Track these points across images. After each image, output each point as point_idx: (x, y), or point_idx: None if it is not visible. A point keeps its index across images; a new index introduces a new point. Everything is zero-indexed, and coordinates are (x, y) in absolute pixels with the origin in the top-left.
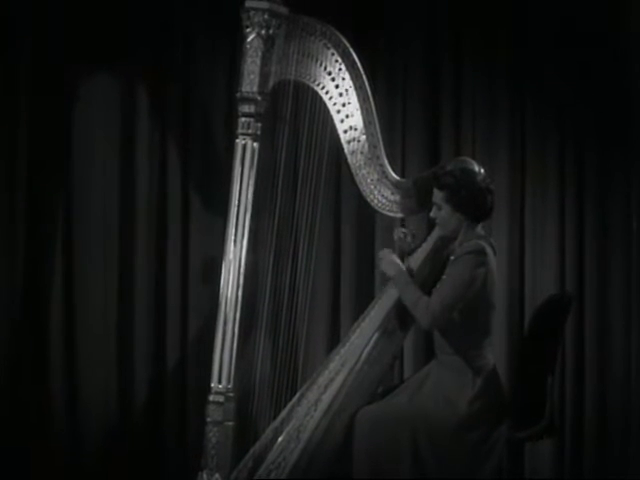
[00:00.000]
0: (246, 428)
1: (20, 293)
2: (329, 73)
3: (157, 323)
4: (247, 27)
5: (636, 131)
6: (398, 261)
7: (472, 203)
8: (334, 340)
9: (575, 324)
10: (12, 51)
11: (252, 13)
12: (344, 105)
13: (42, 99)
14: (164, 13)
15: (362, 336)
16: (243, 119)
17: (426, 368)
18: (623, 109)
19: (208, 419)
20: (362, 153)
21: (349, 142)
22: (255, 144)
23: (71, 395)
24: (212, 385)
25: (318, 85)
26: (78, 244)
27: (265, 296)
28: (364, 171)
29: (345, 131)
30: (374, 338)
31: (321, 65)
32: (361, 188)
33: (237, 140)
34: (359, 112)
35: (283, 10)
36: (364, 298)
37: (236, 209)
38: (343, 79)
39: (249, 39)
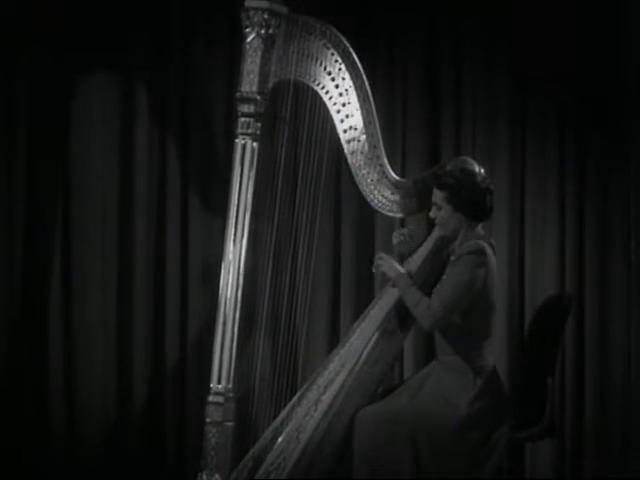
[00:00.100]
0: (246, 429)
1: (19, 293)
2: (329, 73)
3: (156, 323)
4: (247, 27)
5: (636, 131)
6: (397, 265)
7: (472, 203)
8: (334, 340)
9: (575, 324)
10: (12, 51)
11: (252, 13)
12: (344, 105)
13: (41, 99)
14: (164, 13)
15: (362, 336)
16: (243, 119)
17: (426, 368)
18: (624, 109)
19: (208, 419)
20: (362, 153)
21: (349, 142)
22: (255, 144)
23: (70, 395)
24: (212, 385)
25: (318, 85)
26: (77, 244)
27: (265, 296)
28: (364, 171)
29: (345, 131)
30: (374, 338)
31: (321, 65)
32: (361, 188)
33: (237, 140)
34: (359, 112)
35: (283, 10)
36: (364, 298)
37: (236, 209)
38: (343, 79)
39: (249, 39)
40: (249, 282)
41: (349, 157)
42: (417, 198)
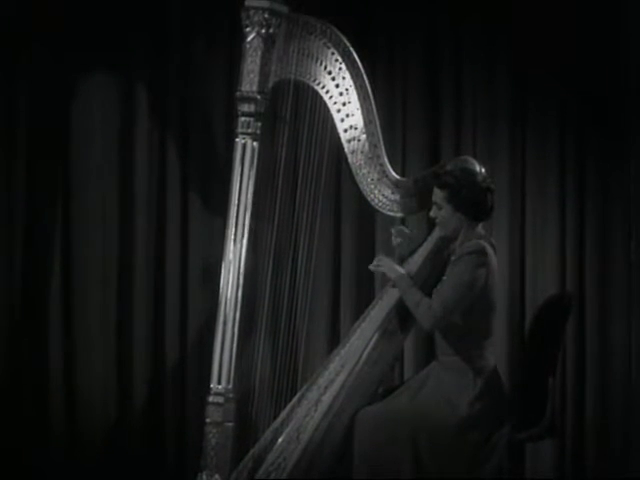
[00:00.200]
0: (246, 429)
1: (19, 293)
2: (329, 72)
3: (156, 323)
4: (247, 26)
5: (636, 131)
6: (397, 266)
7: (473, 203)
8: (334, 340)
9: (576, 324)
10: (12, 51)
11: (252, 12)
12: (344, 104)
13: (41, 99)
14: (164, 13)
15: (362, 337)
16: (243, 118)
17: (427, 369)
18: (623, 109)
19: (208, 420)
20: (362, 152)
21: (349, 141)
22: (255, 143)
23: (70, 395)
24: (212, 386)
25: (318, 84)
26: (77, 244)
27: (265, 296)
28: (364, 170)
29: (345, 130)
30: (374, 339)
31: (321, 64)
32: (361, 187)
33: (237, 139)
34: (359, 111)
35: (283, 9)
36: (364, 298)
37: (236, 209)
38: (343, 78)
39: (249, 38)
40: (249, 282)
41: (349, 156)
42: (417, 197)
